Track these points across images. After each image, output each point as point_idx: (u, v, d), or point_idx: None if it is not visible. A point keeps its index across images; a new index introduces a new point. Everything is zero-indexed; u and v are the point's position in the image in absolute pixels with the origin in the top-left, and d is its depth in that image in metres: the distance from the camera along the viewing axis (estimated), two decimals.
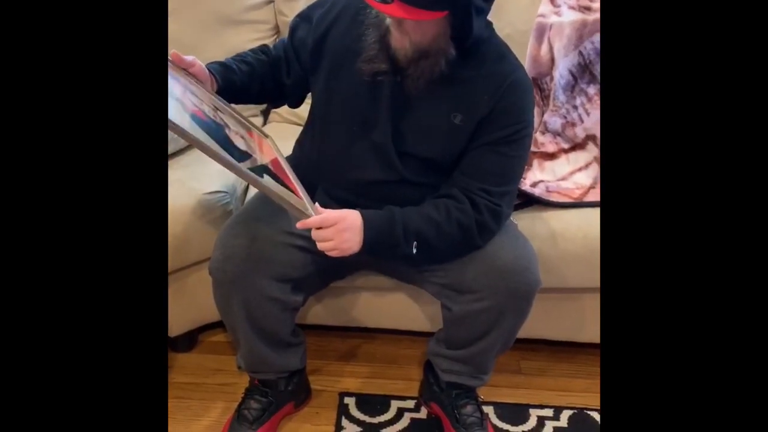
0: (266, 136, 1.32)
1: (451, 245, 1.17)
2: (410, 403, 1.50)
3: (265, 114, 1.94)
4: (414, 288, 1.40)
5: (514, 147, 1.16)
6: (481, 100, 1.13)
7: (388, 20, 1.09)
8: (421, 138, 1.17)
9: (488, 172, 1.16)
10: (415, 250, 1.14)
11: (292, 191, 1.11)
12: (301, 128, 1.37)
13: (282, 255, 1.21)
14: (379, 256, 1.20)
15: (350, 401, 1.50)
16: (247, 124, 1.26)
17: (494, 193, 1.15)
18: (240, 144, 1.10)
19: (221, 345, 1.64)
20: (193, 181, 1.45)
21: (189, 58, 1.12)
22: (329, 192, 1.24)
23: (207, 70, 1.16)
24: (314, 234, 1.09)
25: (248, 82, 1.23)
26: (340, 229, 1.09)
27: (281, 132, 1.75)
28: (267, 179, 1.06)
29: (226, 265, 1.19)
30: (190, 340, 1.63)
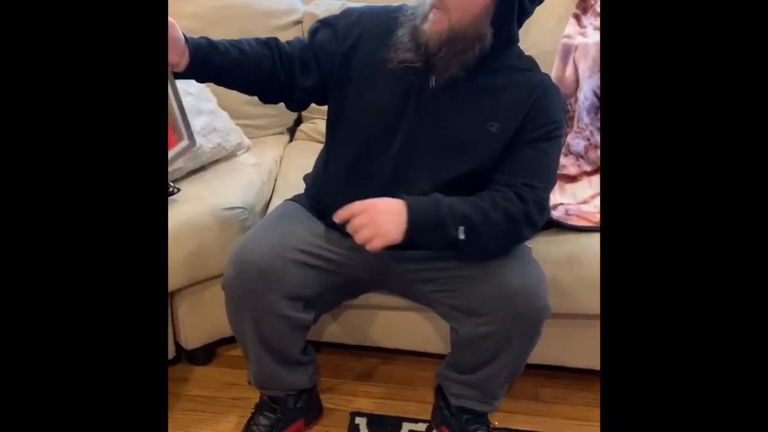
0: None
1: (498, 234, 1.13)
2: (422, 426, 1.48)
3: (292, 132, 1.97)
4: (430, 309, 1.39)
5: (550, 144, 1.18)
6: (516, 107, 1.15)
7: (429, 0, 1.11)
8: (456, 150, 1.18)
9: (529, 168, 1.16)
10: (462, 236, 1.10)
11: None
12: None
13: (294, 273, 1.21)
14: (424, 242, 1.15)
15: (361, 421, 1.49)
16: None
17: (537, 188, 1.15)
18: None
19: (238, 359, 1.64)
20: (212, 197, 1.48)
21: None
22: None
23: (182, 38, 1.08)
24: (349, 227, 1.09)
25: (232, 68, 1.16)
26: (374, 213, 1.08)
27: (307, 149, 1.78)
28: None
29: (237, 281, 1.21)
30: (207, 353, 1.65)
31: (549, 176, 1.19)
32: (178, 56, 1.08)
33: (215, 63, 1.13)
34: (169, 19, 1.03)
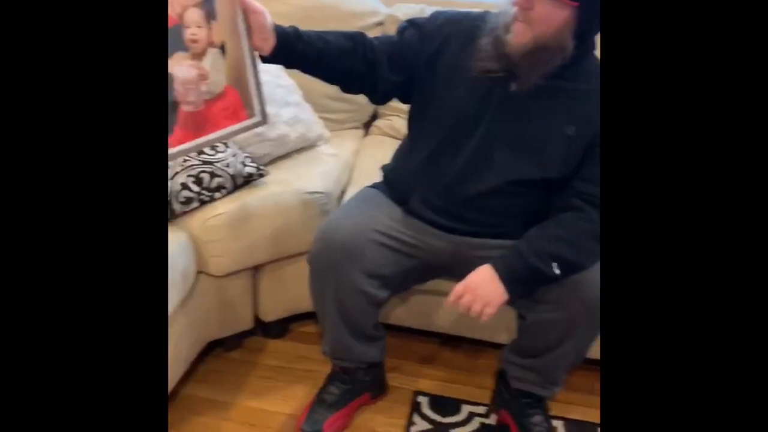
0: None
1: (588, 254, 1.21)
2: (481, 409, 1.55)
3: (367, 127, 2.07)
4: None
5: None
6: (594, 113, 1.17)
7: (513, 12, 1.16)
8: (533, 151, 1.23)
9: None
10: (557, 270, 1.20)
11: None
12: (398, 142, 1.46)
13: (373, 252, 1.31)
14: (529, 290, 1.26)
15: (423, 400, 1.57)
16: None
17: None
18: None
19: (310, 335, 1.76)
20: (297, 181, 1.59)
21: (257, 5, 1.14)
22: (424, 198, 1.33)
23: (269, 25, 1.16)
24: (461, 309, 1.22)
25: (315, 57, 1.22)
26: (473, 288, 1.21)
27: (381, 144, 1.89)
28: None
29: (323, 255, 1.31)
30: (281, 327, 1.76)
31: None
32: (263, 41, 1.17)
33: (298, 50, 1.20)
34: (260, 6, 1.14)
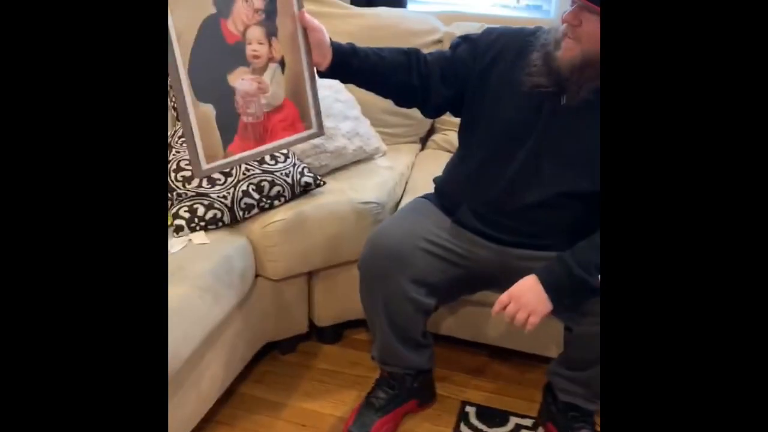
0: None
1: None
2: (528, 422, 1.55)
3: (423, 141, 2.12)
4: None
5: None
6: None
7: (562, 28, 1.20)
8: (581, 164, 1.25)
9: None
10: None
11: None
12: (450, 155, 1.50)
13: (421, 260, 1.35)
14: (573, 301, 1.26)
15: (471, 410, 1.59)
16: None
17: None
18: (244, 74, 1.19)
19: (362, 342, 1.81)
20: (352, 192, 1.65)
21: (316, 23, 1.22)
22: (473, 209, 1.36)
23: (327, 42, 1.23)
24: (506, 319, 1.24)
25: (370, 72, 1.29)
26: (517, 297, 1.23)
27: (437, 157, 1.93)
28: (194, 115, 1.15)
29: (372, 261, 1.36)
30: (335, 333, 1.82)
31: None
32: (321, 57, 1.25)
33: (354, 65, 1.27)
34: (319, 24, 1.23)
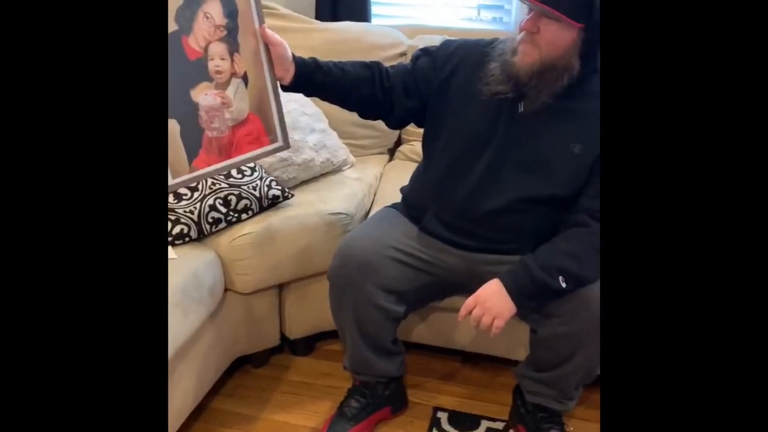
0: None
1: (597, 268, 1.23)
2: (499, 425, 1.57)
3: (391, 152, 2.15)
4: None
5: None
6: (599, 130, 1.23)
7: (519, 37, 1.23)
8: (541, 170, 1.28)
9: None
10: (564, 284, 1.23)
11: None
12: None
13: (389, 267, 1.37)
14: (536, 302, 1.29)
15: (443, 416, 1.60)
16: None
17: None
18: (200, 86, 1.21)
19: (335, 353, 1.82)
20: (321, 203, 1.67)
21: (277, 38, 1.23)
22: (438, 216, 1.39)
23: (289, 56, 1.25)
24: (471, 322, 1.27)
25: (333, 85, 1.32)
26: (482, 302, 1.26)
27: (405, 168, 1.95)
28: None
29: (341, 271, 1.38)
30: (307, 345, 1.82)
31: None
32: (283, 71, 1.27)
33: (317, 79, 1.30)
34: (280, 39, 1.24)
